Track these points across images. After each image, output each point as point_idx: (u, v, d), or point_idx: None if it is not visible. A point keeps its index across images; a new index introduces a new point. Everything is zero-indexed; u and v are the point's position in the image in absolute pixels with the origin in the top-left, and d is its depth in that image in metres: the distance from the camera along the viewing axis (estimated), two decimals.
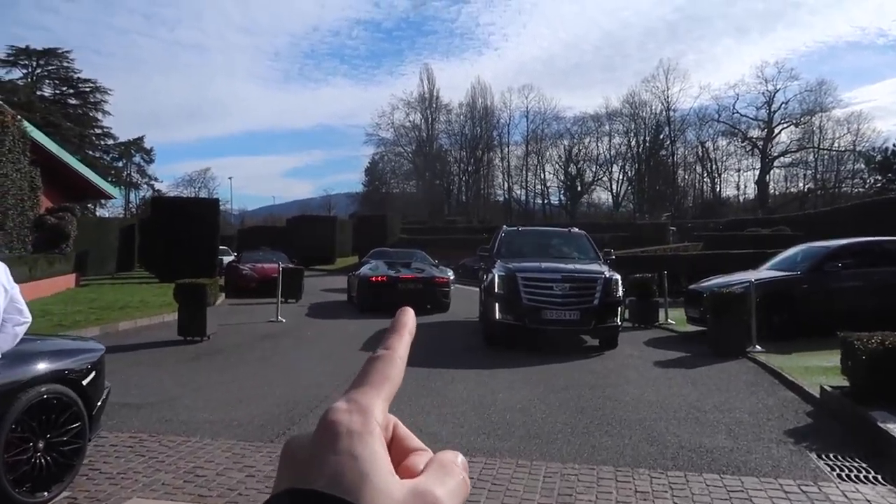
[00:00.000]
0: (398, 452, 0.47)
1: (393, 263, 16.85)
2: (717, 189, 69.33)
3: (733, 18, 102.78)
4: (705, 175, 70.70)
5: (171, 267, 23.01)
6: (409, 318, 0.54)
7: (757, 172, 67.30)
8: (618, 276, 10.12)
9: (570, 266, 10.24)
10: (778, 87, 63.50)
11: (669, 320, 13.42)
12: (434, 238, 39.36)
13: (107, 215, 55.01)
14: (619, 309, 9.95)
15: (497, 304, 9.93)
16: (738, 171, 69.61)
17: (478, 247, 22.13)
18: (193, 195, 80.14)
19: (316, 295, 20.44)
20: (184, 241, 22.78)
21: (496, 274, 10.13)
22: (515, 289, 9.81)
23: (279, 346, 10.32)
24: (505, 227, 12.61)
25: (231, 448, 5.17)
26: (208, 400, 6.70)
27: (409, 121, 78.66)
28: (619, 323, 9.95)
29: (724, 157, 69.24)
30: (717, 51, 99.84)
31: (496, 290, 10.00)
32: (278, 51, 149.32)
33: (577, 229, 12.47)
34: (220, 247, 39.41)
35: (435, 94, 78.72)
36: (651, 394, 7.17)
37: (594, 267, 10.44)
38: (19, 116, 20.53)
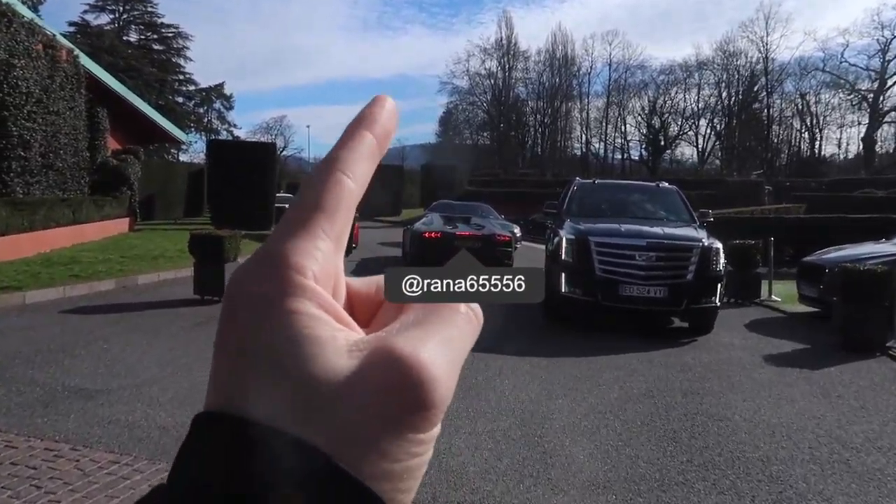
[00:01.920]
0: (362, 311, 0.33)
1: (451, 218, 15.14)
2: (818, 146, 63.66)
3: None
4: (804, 130, 64.96)
5: (225, 213, 22.16)
6: (378, 108, 0.33)
7: (863, 129, 61.23)
8: (719, 245, 8.06)
9: (658, 230, 8.23)
10: None
11: (773, 296, 11.22)
12: (503, 191, 37.33)
13: (188, 160, 55.70)
14: (720, 286, 7.93)
15: (563, 274, 8.09)
16: (842, 126, 63.64)
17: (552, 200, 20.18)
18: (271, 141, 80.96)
19: (371, 249, 19.05)
20: (239, 187, 21.77)
21: (564, 236, 8.26)
22: (587, 256, 7.94)
23: None
24: (578, 179, 10.61)
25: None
26: (183, 388, 5.26)
27: (485, 68, 75.69)
28: (719, 304, 7.94)
29: (827, 112, 63.34)
30: None
31: (563, 256, 8.15)
32: None
33: (666, 184, 10.33)
34: (285, 194, 38.96)
35: (513, 40, 75.27)
36: (769, 411, 5.26)
37: (688, 232, 8.40)
38: (76, 52, 19.68)
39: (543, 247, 17.08)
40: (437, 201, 22.51)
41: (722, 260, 7.99)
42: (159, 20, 66.00)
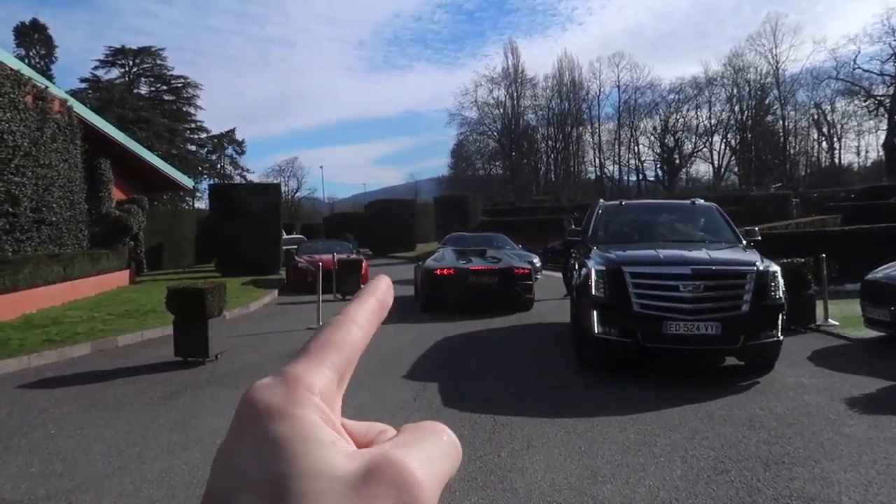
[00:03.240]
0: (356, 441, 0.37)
1: (464, 252, 14.03)
2: (837, 155, 61.95)
3: None
4: (822, 140, 63.40)
5: (231, 259, 21.28)
6: (381, 285, 0.43)
7: (882, 134, 59.44)
8: (776, 268, 6.84)
9: (703, 254, 7.04)
10: None
11: (831, 320, 9.93)
12: (519, 220, 36.22)
13: (202, 207, 55.47)
14: (781, 316, 6.68)
15: (594, 312, 6.90)
16: (859, 133, 61.95)
17: (568, 227, 19.04)
18: (284, 185, 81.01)
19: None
20: (244, 231, 20.90)
21: (592, 267, 7.09)
22: (622, 289, 6.76)
23: None
24: (602, 201, 9.46)
25: None
26: (126, 491, 4.13)
27: (493, 97, 75.34)
28: (781, 336, 6.69)
29: (844, 119, 61.77)
30: (818, 9, 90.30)
31: (592, 290, 6.98)
32: (363, 40, 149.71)
33: (702, 201, 9.14)
34: (297, 235, 38.09)
35: (520, 68, 74.96)
36: (885, 487, 4.01)
37: (738, 254, 7.20)
38: (70, 102, 19.08)
39: (564, 276, 15.94)
40: (449, 234, 21.47)
41: (781, 285, 6.77)
42: (169, 72, 66.95)
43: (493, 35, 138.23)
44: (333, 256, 15.53)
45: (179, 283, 12.93)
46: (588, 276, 7.12)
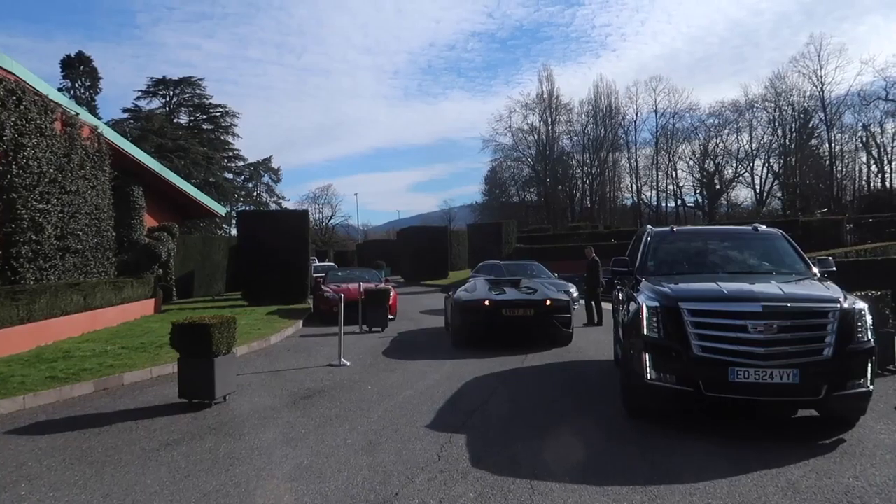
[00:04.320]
0: None
1: (498, 282, 13.17)
2: (889, 178, 59.46)
3: None
4: (871, 163, 61.01)
5: (258, 288, 20.77)
6: None
7: None
8: (863, 305, 5.85)
9: (774, 288, 6.07)
10: None
11: None
12: (555, 247, 35.20)
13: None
14: (870, 361, 5.68)
15: (647, 355, 5.98)
16: None
17: (606, 254, 18.08)
18: (318, 212, 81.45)
19: (413, 319, 17.15)
20: (271, 259, 20.39)
21: (644, 303, 6.18)
22: (679, 329, 5.84)
23: (312, 417, 6.92)
24: (650, 227, 8.56)
25: None
26: None
27: (528, 123, 74.84)
28: (871, 387, 5.67)
29: (894, 142, 59.42)
30: (861, 30, 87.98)
31: (644, 329, 6.06)
32: (398, 69, 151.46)
33: (765, 227, 8.17)
34: (328, 263, 37.71)
35: (554, 94, 74.40)
36: None
37: (816, 289, 6.21)
38: (100, 128, 18.94)
39: (606, 305, 14.95)
40: (482, 262, 20.65)
41: (869, 325, 5.77)
42: (208, 101, 68.26)
43: (526, 63, 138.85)
44: (360, 286, 14.84)
45: (198, 313, 12.42)
46: (639, 312, 6.21)
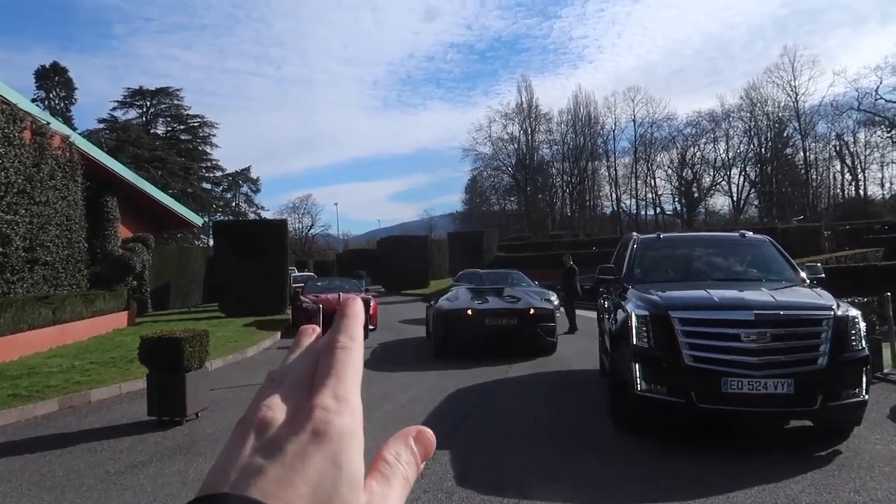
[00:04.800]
0: None
1: (480, 291, 12.93)
2: (862, 186, 60.40)
3: (849, 8, 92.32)
4: (846, 171, 61.93)
5: (235, 299, 20.31)
6: (359, 306, 0.47)
7: None
8: (856, 312, 5.70)
9: (765, 296, 5.91)
10: None
11: None
12: (536, 255, 35.12)
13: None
14: (865, 370, 5.52)
15: (637, 366, 5.78)
16: (883, 165, 60.44)
17: (587, 262, 17.93)
18: (298, 221, 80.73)
19: (393, 329, 16.85)
20: (248, 270, 19.97)
21: (632, 312, 5.98)
22: (669, 338, 5.65)
23: None
24: (636, 234, 8.38)
25: None
26: None
27: (508, 133, 74.93)
28: (866, 397, 5.51)
29: (867, 151, 60.42)
30: (831, 43, 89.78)
31: (633, 339, 5.86)
32: (377, 79, 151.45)
33: (752, 233, 8.03)
34: (308, 273, 37.18)
35: (534, 103, 74.64)
36: None
37: (808, 297, 6.06)
38: (71, 138, 18.44)
39: (589, 314, 14.77)
40: (462, 271, 20.41)
41: (863, 333, 5.62)
42: (185, 111, 67.42)
43: (504, 74, 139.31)
44: (339, 296, 14.52)
45: (172, 325, 12.08)
46: (627, 321, 6.01)
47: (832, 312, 5.52)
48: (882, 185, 61.62)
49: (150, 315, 22.34)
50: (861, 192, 60.37)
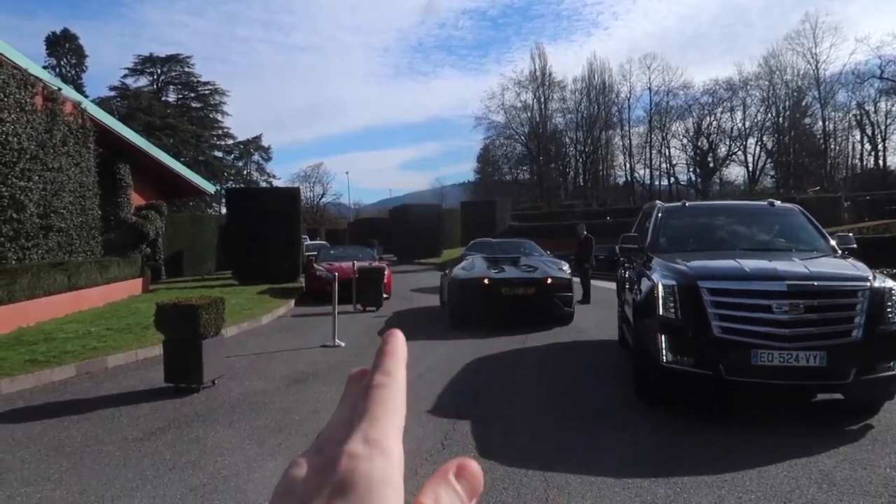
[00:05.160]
0: None
1: (496, 260, 12.78)
2: (882, 157, 59.32)
3: None
4: (865, 141, 60.78)
5: (248, 267, 20.31)
6: (400, 341, 0.44)
7: None
8: (893, 284, 5.51)
9: (798, 266, 5.72)
10: None
11: None
12: (549, 225, 34.87)
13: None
14: None
15: (662, 337, 5.63)
16: None
17: (601, 232, 17.71)
18: (309, 190, 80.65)
19: (407, 298, 16.79)
20: (261, 238, 19.90)
21: (659, 281, 5.82)
22: (697, 308, 5.49)
23: (306, 402, 6.56)
24: (660, 203, 8.16)
25: None
26: None
27: (521, 101, 73.98)
28: None
29: (888, 120, 59.16)
30: (852, 10, 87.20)
31: (660, 310, 5.71)
32: (387, 46, 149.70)
33: (781, 202, 7.80)
34: (320, 241, 37.15)
35: (547, 71, 73.49)
36: None
37: (842, 267, 5.85)
38: (83, 104, 18.28)
39: (605, 284, 14.63)
40: (473, 240, 20.25)
41: None
42: (196, 79, 66.96)
43: (517, 41, 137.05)
44: (353, 264, 14.43)
45: (186, 292, 11.98)
46: (653, 291, 5.85)
47: (868, 284, 5.33)
48: None
49: (164, 282, 22.41)
50: (880, 163, 59.33)
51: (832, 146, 63.40)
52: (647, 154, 71.59)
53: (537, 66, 73.59)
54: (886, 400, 5.53)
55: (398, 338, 0.45)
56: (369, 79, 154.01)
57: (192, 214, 35.53)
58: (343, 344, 9.68)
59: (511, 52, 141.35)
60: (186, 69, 66.37)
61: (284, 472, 0.38)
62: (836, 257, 6.35)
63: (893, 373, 5.25)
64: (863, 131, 60.20)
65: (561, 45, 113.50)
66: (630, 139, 72.62)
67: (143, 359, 8.85)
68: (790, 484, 4.17)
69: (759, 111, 65.46)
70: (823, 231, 6.99)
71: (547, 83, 73.65)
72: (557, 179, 75.52)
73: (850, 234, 7.15)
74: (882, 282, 5.43)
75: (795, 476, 4.30)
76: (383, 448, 0.36)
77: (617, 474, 4.38)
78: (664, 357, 5.60)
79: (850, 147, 63.15)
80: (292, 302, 15.56)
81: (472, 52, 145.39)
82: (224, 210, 35.13)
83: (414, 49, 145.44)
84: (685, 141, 69.54)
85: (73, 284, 14.01)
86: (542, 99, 73.91)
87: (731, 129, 66.96)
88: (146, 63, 64.80)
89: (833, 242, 6.76)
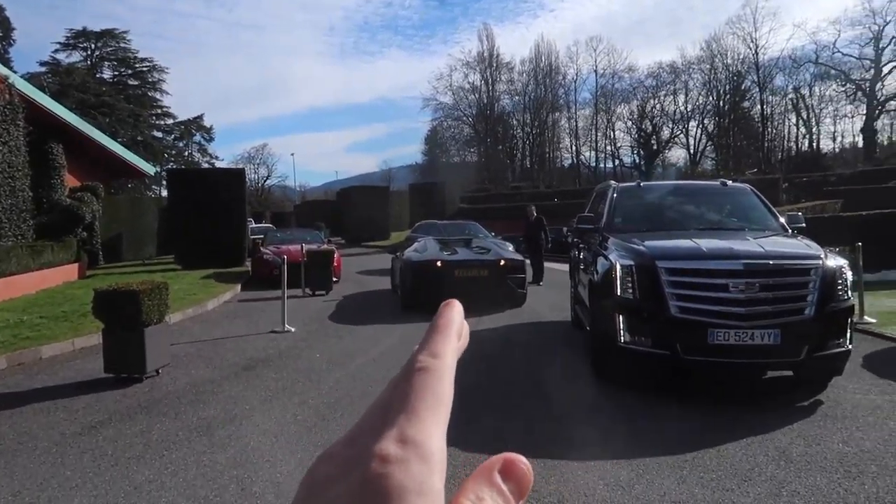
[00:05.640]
0: None
1: (448, 242, 12.65)
2: (816, 140, 61.63)
3: None
4: (800, 125, 62.97)
5: (191, 251, 19.64)
6: (455, 313, 0.40)
7: (859, 120, 59.23)
8: (843, 261, 5.62)
9: (753, 245, 5.77)
10: (888, 19, 55.04)
11: (866, 317, 8.83)
12: (497, 207, 34.98)
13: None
14: (850, 321, 5.46)
15: (620, 317, 5.62)
16: (836, 118, 61.66)
17: (549, 214, 17.79)
18: (254, 172, 78.70)
19: (356, 282, 16.53)
20: (205, 220, 19.25)
21: (616, 262, 5.80)
22: (654, 288, 5.48)
23: (256, 390, 6.32)
24: (614, 182, 8.17)
25: None
26: None
27: (469, 82, 73.76)
28: (850, 347, 5.47)
29: (822, 105, 61.43)
30: None
31: (617, 290, 5.69)
32: (333, 25, 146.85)
33: (732, 182, 7.90)
34: (266, 224, 36.33)
35: (495, 52, 73.41)
36: None
37: (795, 246, 5.93)
38: (11, 79, 17.21)
39: (556, 266, 14.72)
40: (419, 222, 20.14)
41: (850, 283, 5.54)
42: (133, 55, 64.19)
43: (464, 22, 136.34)
44: (302, 247, 14.08)
45: (126, 277, 11.34)
46: (610, 272, 5.83)
47: (820, 262, 5.42)
48: (834, 139, 63.06)
49: (102, 267, 21.50)
50: (814, 146, 61.59)
51: (769, 129, 65.48)
52: (593, 136, 72.52)
53: (485, 48, 73.47)
54: (835, 375, 5.65)
55: (454, 310, 0.39)
56: (315, 58, 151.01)
57: (131, 197, 34.28)
58: (293, 329, 9.41)
59: (458, 32, 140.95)
60: (123, 45, 63.53)
61: (311, 465, 0.32)
62: (787, 236, 6.46)
63: (843, 349, 5.37)
64: (798, 115, 62.36)
65: (508, 27, 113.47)
66: (576, 121, 73.41)
67: (81, 348, 8.39)
68: (749, 462, 4.20)
69: (700, 94, 66.98)
70: (774, 210, 7.10)
71: (494, 64, 73.62)
72: (505, 161, 75.80)
73: (800, 214, 7.28)
74: (833, 260, 5.53)
75: (753, 454, 4.33)
76: (421, 449, 0.31)
77: (580, 458, 4.33)
78: (622, 337, 5.59)
79: (787, 130, 65.39)
80: (238, 287, 15.12)
81: (418, 33, 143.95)
82: (165, 192, 33.83)
83: (360, 28, 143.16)
84: (629, 123, 70.70)
85: (2, 271, 13.27)
86: (490, 80, 73.90)
87: (674, 112, 68.37)
88: (79, 37, 61.73)
89: (783, 221, 6.87)
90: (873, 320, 8.73)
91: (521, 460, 0.34)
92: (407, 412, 0.33)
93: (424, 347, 0.37)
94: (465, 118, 76.32)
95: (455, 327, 0.39)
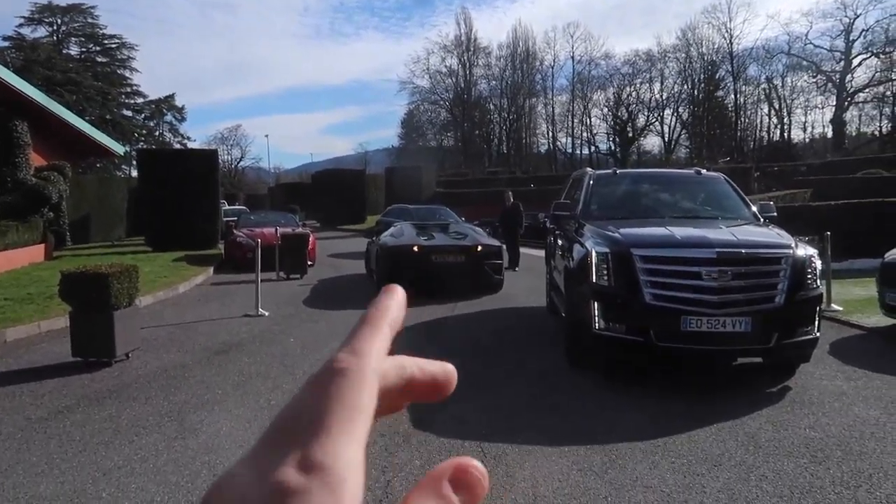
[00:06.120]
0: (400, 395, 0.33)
1: (425, 227, 12.61)
2: (787, 130, 62.56)
3: None
4: (772, 115, 63.84)
5: (162, 232, 19.32)
6: (393, 301, 0.37)
7: (829, 111, 60.32)
8: (812, 251, 5.71)
9: (726, 233, 5.83)
10: (858, 12, 55.88)
11: (833, 305, 9.00)
12: (474, 192, 34.95)
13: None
14: (818, 309, 5.56)
15: (595, 304, 5.65)
16: (807, 109, 62.65)
17: (525, 199, 17.84)
18: (227, 153, 77.57)
19: (330, 265, 16.42)
20: (177, 202, 18.92)
21: (592, 249, 5.82)
22: (629, 276, 5.52)
23: (229, 375, 6.24)
24: (591, 170, 8.18)
25: None
26: None
27: (446, 66, 73.38)
28: (818, 334, 5.57)
29: (794, 95, 62.33)
30: None
31: (593, 277, 5.71)
32: (308, 5, 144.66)
33: (706, 171, 7.97)
34: (239, 206, 35.89)
35: (472, 37, 73.06)
36: None
37: (767, 235, 6.01)
38: None
39: (532, 252, 14.78)
40: (391, 206, 20.11)
41: (818, 271, 5.63)
42: (101, 31, 62.47)
43: (441, 5, 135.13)
44: (276, 230, 13.95)
45: (95, 259, 11.17)
46: (586, 258, 5.85)
47: (791, 251, 5.49)
48: (804, 129, 64.08)
49: (70, 248, 21.08)
50: (786, 136, 62.52)
51: (742, 119, 66.29)
52: (570, 123, 72.74)
53: (462, 31, 73.07)
54: (803, 362, 5.76)
55: (392, 298, 0.35)
56: (289, 39, 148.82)
57: (100, 177, 33.56)
58: (267, 313, 9.31)
59: (435, 15, 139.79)
60: (90, 20, 61.73)
61: (206, 493, 0.28)
62: (759, 225, 6.54)
63: (811, 337, 5.47)
64: (770, 105, 63.18)
65: (486, 11, 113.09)
66: (553, 107, 73.53)
67: (48, 331, 8.22)
68: (719, 447, 4.27)
69: (675, 83, 67.53)
70: (747, 199, 7.19)
71: (472, 48, 73.31)
72: (481, 146, 75.76)
73: (772, 203, 7.38)
74: (804, 249, 5.61)
75: (723, 439, 4.40)
76: (329, 476, 0.26)
77: (553, 443, 4.36)
78: (596, 324, 5.62)
79: (759, 120, 66.27)
80: (211, 270, 14.92)
81: (395, 15, 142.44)
82: (135, 173, 33.24)
83: (335, 9, 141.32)
84: (605, 110, 71.03)
85: None
86: (468, 64, 73.61)
87: (650, 100, 68.83)
88: (44, 12, 59.83)
89: (755, 210, 6.96)
90: (840, 308, 8.90)
91: (475, 466, 0.31)
92: (315, 427, 0.28)
93: (348, 343, 0.33)
94: (442, 102, 76.03)
95: (389, 319, 0.34)
